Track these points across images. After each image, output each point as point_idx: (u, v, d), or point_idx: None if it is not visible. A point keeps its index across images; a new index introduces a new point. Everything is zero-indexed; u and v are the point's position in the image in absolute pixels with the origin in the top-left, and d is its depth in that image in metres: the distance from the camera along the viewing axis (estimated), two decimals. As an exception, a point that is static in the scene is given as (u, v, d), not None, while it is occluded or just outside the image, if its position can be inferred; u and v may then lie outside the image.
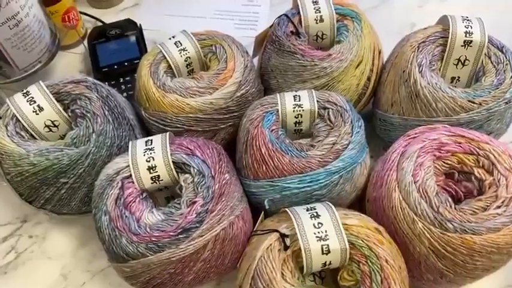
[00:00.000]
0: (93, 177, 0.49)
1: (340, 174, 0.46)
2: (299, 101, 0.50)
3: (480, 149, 0.45)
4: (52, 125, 0.51)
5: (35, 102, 0.50)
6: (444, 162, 0.46)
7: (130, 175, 0.45)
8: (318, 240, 0.40)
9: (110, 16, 0.80)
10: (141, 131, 0.55)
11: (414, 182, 0.44)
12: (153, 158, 0.45)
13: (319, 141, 0.47)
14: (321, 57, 0.54)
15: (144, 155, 0.46)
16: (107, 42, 0.70)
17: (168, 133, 0.48)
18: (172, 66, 0.54)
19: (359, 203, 0.52)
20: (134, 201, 0.44)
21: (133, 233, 0.42)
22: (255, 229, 0.46)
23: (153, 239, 0.42)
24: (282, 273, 0.40)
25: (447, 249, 0.41)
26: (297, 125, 0.51)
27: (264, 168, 0.46)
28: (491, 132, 0.52)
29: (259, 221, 0.48)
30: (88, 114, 0.50)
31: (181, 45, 0.55)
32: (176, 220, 0.42)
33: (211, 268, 0.44)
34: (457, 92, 0.50)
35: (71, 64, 0.74)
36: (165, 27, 0.78)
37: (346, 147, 0.46)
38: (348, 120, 0.48)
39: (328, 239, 0.40)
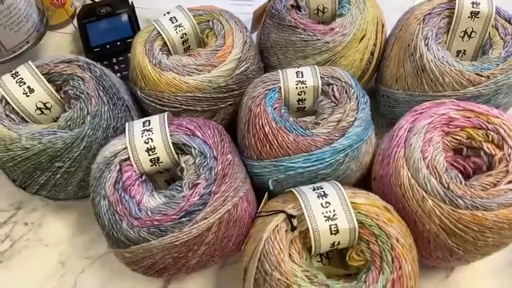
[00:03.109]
0: (89, 161, 0.47)
1: (346, 152, 0.44)
2: (302, 77, 0.48)
3: (489, 123, 0.44)
4: (44, 107, 0.49)
5: (24, 83, 0.47)
6: (453, 138, 0.44)
7: (129, 157, 0.43)
8: (326, 220, 0.39)
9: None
10: (137, 112, 0.53)
11: (423, 159, 0.42)
12: (151, 139, 0.43)
13: (323, 118, 0.46)
14: (324, 32, 0.52)
15: (142, 136, 0.44)
16: (98, 21, 0.67)
17: (166, 113, 0.46)
18: (168, 43, 0.52)
19: (364, 182, 0.50)
20: (133, 185, 0.43)
21: (134, 217, 0.41)
22: (259, 210, 0.45)
23: (155, 223, 0.40)
24: (290, 255, 0.39)
25: (458, 226, 0.40)
26: (300, 102, 0.49)
27: (268, 147, 0.44)
28: (499, 106, 0.51)
29: (263, 202, 0.46)
30: (82, 95, 0.47)
31: (176, 21, 0.53)
32: (178, 203, 0.40)
33: (216, 251, 0.43)
34: (465, 65, 0.49)
35: (60, 45, 0.71)
36: (158, 4, 0.75)
37: (352, 124, 0.45)
38: (353, 97, 0.46)
39: (336, 218, 0.39)
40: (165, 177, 0.48)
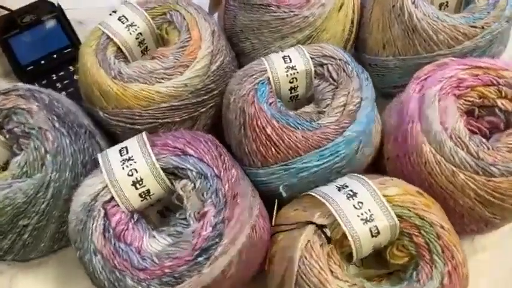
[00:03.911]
0: (61, 209, 0.39)
1: (360, 138, 0.39)
2: (290, 62, 0.42)
3: (500, 77, 0.41)
4: (-15, 155, 0.39)
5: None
6: (465, 100, 0.41)
7: (112, 197, 0.36)
8: (364, 223, 0.34)
9: (12, 0, 0.64)
10: (102, 135, 0.44)
11: (444, 130, 0.38)
12: (135, 169, 0.36)
13: (327, 105, 0.40)
14: (299, 5, 0.45)
15: (123, 168, 0.36)
16: (22, 33, 0.56)
17: (143, 134, 0.38)
18: (123, 48, 0.44)
19: (373, 164, 0.46)
20: (127, 229, 0.35)
21: (138, 268, 0.33)
22: (275, 223, 0.39)
23: (167, 271, 0.33)
24: (331, 271, 0.34)
25: (495, 196, 0.37)
26: (293, 90, 0.43)
27: (274, 150, 0.38)
28: (493, 56, 0.48)
29: (275, 213, 0.40)
30: (33, 131, 0.38)
31: (127, 20, 0.44)
32: (189, 240, 0.34)
33: (239, 280, 0.37)
34: (456, 18, 0.45)
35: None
36: (87, 3, 0.65)
37: (359, 106, 0.39)
38: (352, 74, 0.41)
39: (374, 219, 0.34)
40: (157, 208, 0.40)
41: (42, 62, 0.55)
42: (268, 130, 0.38)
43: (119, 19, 0.44)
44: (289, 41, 0.47)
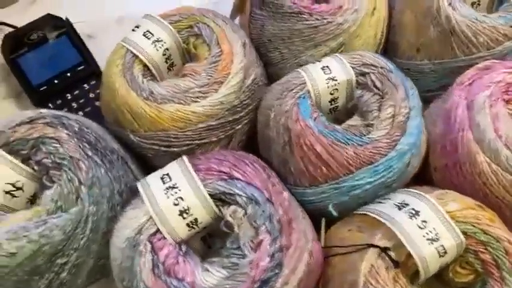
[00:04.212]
0: (99, 242, 0.36)
1: (412, 151, 0.37)
2: (330, 72, 0.40)
3: (548, 79, 0.39)
4: (13, 188, 0.36)
5: (-22, 167, 0.35)
6: (515, 104, 0.39)
7: (158, 229, 0.33)
8: (430, 244, 0.32)
9: (16, 16, 0.61)
10: (133, 160, 0.41)
11: (499, 138, 0.37)
12: (181, 198, 0.33)
13: (374, 117, 0.38)
14: (332, 12, 0.43)
15: (168, 197, 0.33)
16: (31, 51, 0.53)
17: (184, 158, 0.36)
18: (150, 66, 0.41)
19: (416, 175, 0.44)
20: (177, 263, 0.33)
21: (194, 306, 0.31)
22: (325, 245, 0.37)
23: (226, 307, 0.31)
24: (399, 296, 0.32)
25: (556, 204, 0.36)
26: (333, 102, 0.41)
27: (324, 169, 0.36)
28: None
29: (322, 233, 0.38)
30: (64, 162, 0.35)
31: (152, 35, 0.41)
32: (246, 272, 0.31)
33: (296, 310, 0.35)
34: (495, 19, 0.43)
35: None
36: (93, 16, 0.62)
37: (408, 117, 0.38)
38: (397, 83, 0.39)
39: (439, 238, 0.32)
40: (201, 235, 0.38)
41: (56, 81, 0.52)
42: (318, 148, 0.36)
43: (144, 35, 0.41)
44: (322, 49, 0.44)
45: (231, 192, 0.34)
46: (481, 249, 0.33)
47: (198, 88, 0.39)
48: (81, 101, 0.52)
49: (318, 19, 0.43)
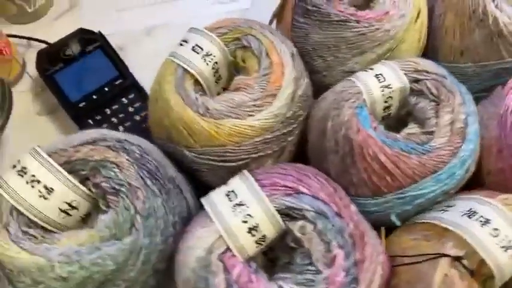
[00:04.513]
0: (148, 274, 0.35)
1: (472, 157, 0.37)
2: (384, 80, 0.39)
3: None
4: (69, 207, 0.36)
5: (38, 182, 0.34)
6: None
7: (227, 248, 0.33)
8: (504, 251, 0.32)
9: (43, 31, 0.61)
10: (187, 184, 0.41)
11: (558, 140, 0.37)
12: (249, 215, 0.33)
13: (433, 124, 0.38)
14: (379, 19, 0.43)
15: (236, 214, 0.33)
16: (67, 67, 0.53)
17: (247, 173, 0.36)
18: (201, 80, 0.41)
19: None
20: (251, 281, 0.32)
21: (273, 325, 0.31)
22: (391, 254, 0.37)
23: (305, 324, 0.31)
24: (476, 305, 0.32)
25: None
26: (386, 110, 0.41)
27: (389, 179, 0.36)
28: None
29: (383, 242, 0.38)
30: (122, 188, 0.35)
31: (201, 49, 0.41)
32: (322, 288, 0.31)
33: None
34: (541, 18, 0.43)
35: (21, 109, 0.56)
36: (125, 26, 0.61)
37: (467, 123, 0.37)
38: (453, 89, 0.39)
39: (510, 244, 0.32)
40: (263, 250, 0.38)
41: (94, 96, 0.51)
42: (382, 158, 0.35)
43: (193, 49, 0.41)
44: (368, 56, 0.44)
45: (299, 207, 0.34)
46: (551, 253, 0.33)
47: (252, 102, 0.39)
48: (121, 115, 0.51)
49: (365, 26, 0.43)
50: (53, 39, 0.56)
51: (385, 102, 0.40)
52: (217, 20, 0.44)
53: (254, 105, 0.39)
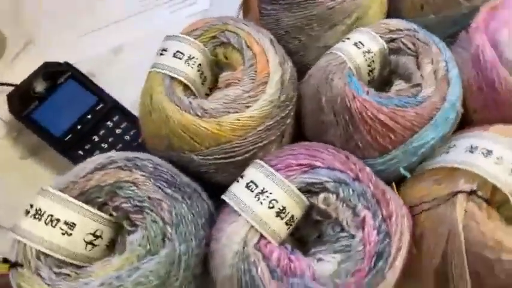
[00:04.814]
0: (189, 281, 0.36)
1: (459, 99, 0.40)
2: (363, 46, 0.41)
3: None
4: (94, 237, 0.35)
5: (58, 220, 0.33)
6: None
7: (261, 236, 0.34)
8: (510, 174, 0.35)
9: (4, 74, 0.58)
10: (202, 187, 0.41)
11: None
12: (275, 200, 0.34)
13: (418, 77, 0.40)
14: (343, -10, 0.45)
15: (261, 202, 0.34)
16: (42, 104, 0.51)
17: (261, 162, 0.36)
18: (190, 84, 0.41)
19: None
20: (291, 261, 0.33)
21: (323, 296, 0.32)
22: (408, 205, 0.39)
23: (352, 287, 0.32)
24: (500, 229, 0.34)
25: None
26: (370, 73, 0.42)
27: (392, 136, 0.38)
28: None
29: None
30: (145, 204, 0.35)
31: (183, 54, 0.41)
32: (360, 250, 0.33)
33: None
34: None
35: (2, 158, 0.54)
36: (90, 51, 0.60)
37: (447, 69, 0.40)
38: (427, 40, 0.41)
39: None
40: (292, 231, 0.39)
41: (79, 126, 0.50)
42: (382, 117, 0.37)
43: (175, 56, 0.41)
44: (340, 28, 0.46)
45: (318, 181, 0.35)
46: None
47: (246, 94, 0.39)
48: (110, 139, 0.51)
49: (333, 0, 0.44)
50: (17, 80, 0.55)
51: (369, 66, 0.42)
52: (189, 24, 0.44)
53: (249, 96, 0.39)
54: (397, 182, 0.41)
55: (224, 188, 0.38)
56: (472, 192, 0.35)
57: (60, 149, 0.50)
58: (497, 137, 0.37)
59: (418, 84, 0.40)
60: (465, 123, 0.45)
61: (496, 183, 0.34)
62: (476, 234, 0.34)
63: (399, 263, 0.33)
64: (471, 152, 0.36)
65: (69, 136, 0.50)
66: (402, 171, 0.39)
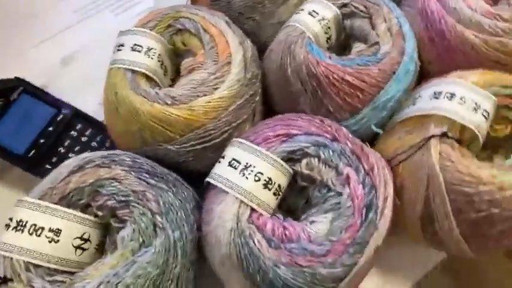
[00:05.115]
0: (188, 267, 0.35)
1: (415, 51, 0.42)
2: (318, 14, 0.42)
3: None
4: (82, 241, 0.34)
5: (42, 229, 0.32)
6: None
7: (252, 209, 0.34)
8: (475, 112, 0.37)
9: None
10: (177, 174, 0.41)
11: (475, 11, 0.42)
12: (260, 173, 0.34)
13: (374, 36, 0.41)
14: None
15: (247, 177, 0.34)
16: (-2, 123, 0.49)
17: (237, 139, 0.37)
18: (152, 75, 0.40)
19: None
20: (286, 228, 0.34)
21: (322, 255, 0.32)
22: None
23: (348, 242, 0.33)
24: (474, 164, 0.36)
25: None
26: (328, 41, 0.44)
27: (360, 95, 0.39)
28: None
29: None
30: (130, 198, 0.34)
31: (141, 47, 0.40)
32: (350, 206, 0.34)
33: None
34: None
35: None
36: (39, 64, 0.58)
37: (400, 24, 0.42)
38: (377, 1, 0.43)
39: (479, 105, 0.37)
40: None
41: (41, 141, 0.48)
42: (348, 78, 0.38)
43: (133, 49, 0.40)
44: (291, 2, 0.47)
45: (298, 148, 0.36)
46: (509, 101, 0.39)
47: (212, 75, 0.39)
48: (77, 148, 0.49)
49: (280, -25, 0.45)
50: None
51: (326, 33, 0.43)
52: (142, 17, 0.44)
53: (215, 78, 0.39)
54: (371, 141, 0.42)
55: (202, 176, 0.37)
56: (443, 135, 0.37)
57: (26, 167, 0.47)
58: (456, 81, 0.39)
59: (376, 43, 0.41)
60: (422, 76, 0.48)
61: (463, 122, 0.36)
62: (454, 172, 0.36)
63: (388, 212, 0.34)
64: (436, 98, 0.38)
65: (33, 152, 0.48)
66: (374, 128, 0.41)
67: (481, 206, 0.35)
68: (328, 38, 0.43)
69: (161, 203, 0.34)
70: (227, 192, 0.34)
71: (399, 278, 0.48)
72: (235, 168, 0.35)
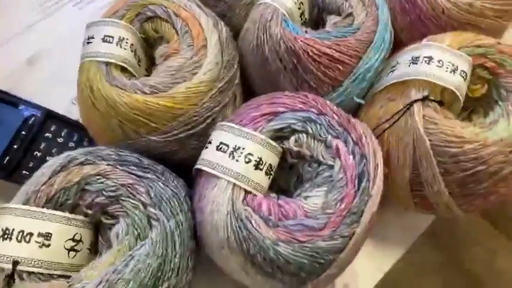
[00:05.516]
0: (188, 255, 0.35)
1: (389, 18, 0.42)
2: (290, -9, 0.42)
3: None
4: (74, 243, 0.33)
5: (31, 234, 0.31)
6: None
7: (246, 191, 0.34)
8: (453, 74, 0.37)
9: None
10: (161, 163, 0.40)
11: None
12: (250, 154, 0.34)
13: (347, 7, 0.41)
14: None
15: (237, 160, 0.34)
16: (-35, 132, 0.46)
17: (222, 123, 0.36)
18: (126, 66, 0.39)
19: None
20: (280, 207, 0.34)
21: (320, 228, 0.32)
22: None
23: (345, 213, 0.33)
24: (458, 125, 0.37)
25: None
26: (302, 16, 0.43)
27: (340, 67, 0.39)
28: None
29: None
30: (119, 192, 0.33)
31: (112, 37, 0.39)
32: (342, 177, 0.34)
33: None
34: None
35: None
36: (2, 67, 0.55)
37: (375, -3, 0.42)
38: (344, -28, 0.43)
39: (457, 66, 0.38)
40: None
41: (15, 146, 0.46)
42: (327, 51, 0.38)
43: (104, 41, 0.39)
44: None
45: (285, 125, 0.35)
46: (483, 60, 0.40)
47: (190, 60, 0.38)
48: (54, 150, 0.47)
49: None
50: None
51: (299, 9, 0.42)
52: (108, 8, 0.42)
53: (192, 62, 0.38)
54: (353, 113, 0.42)
55: (189, 167, 0.37)
56: (425, 99, 0.37)
57: (2, 175, 0.45)
58: (432, 45, 0.39)
59: (350, 14, 0.41)
60: (396, 45, 0.48)
61: (444, 84, 0.37)
62: (439, 134, 0.36)
63: (380, 179, 0.34)
64: (415, 63, 0.38)
65: (7, 159, 0.45)
66: (356, 99, 0.41)
67: (467, 165, 0.36)
68: (302, 14, 0.43)
69: (152, 194, 0.33)
70: (219, 177, 0.34)
71: (390, 245, 0.49)
72: (224, 152, 0.34)
